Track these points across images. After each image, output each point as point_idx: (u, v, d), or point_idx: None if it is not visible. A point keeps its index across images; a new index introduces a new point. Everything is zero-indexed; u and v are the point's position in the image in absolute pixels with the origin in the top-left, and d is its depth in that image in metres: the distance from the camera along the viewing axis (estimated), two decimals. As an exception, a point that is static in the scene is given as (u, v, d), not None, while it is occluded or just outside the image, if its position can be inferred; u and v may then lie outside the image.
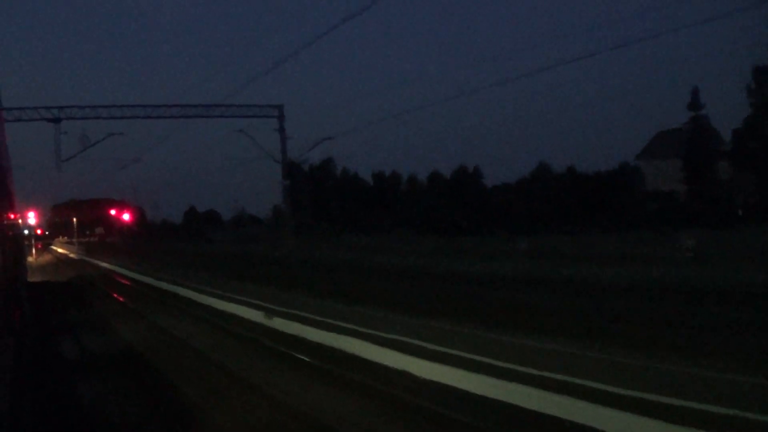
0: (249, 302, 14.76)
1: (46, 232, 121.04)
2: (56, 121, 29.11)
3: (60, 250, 79.06)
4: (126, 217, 72.82)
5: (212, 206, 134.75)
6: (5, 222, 7.97)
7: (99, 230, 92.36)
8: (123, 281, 24.86)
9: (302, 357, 10.63)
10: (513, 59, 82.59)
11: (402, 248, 35.82)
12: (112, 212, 74.21)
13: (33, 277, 31.50)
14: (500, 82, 57.83)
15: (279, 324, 13.00)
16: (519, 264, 23.53)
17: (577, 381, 6.81)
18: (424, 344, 9.25)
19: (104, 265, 34.87)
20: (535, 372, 7.32)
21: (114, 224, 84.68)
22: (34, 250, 66.88)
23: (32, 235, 71.52)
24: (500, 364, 7.83)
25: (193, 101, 42.63)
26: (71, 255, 61.67)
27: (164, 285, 21.24)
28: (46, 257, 65.97)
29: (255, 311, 14.30)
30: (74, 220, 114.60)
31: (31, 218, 59.06)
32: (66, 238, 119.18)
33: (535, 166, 72.59)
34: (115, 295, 20.25)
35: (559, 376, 7.04)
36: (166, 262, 30.15)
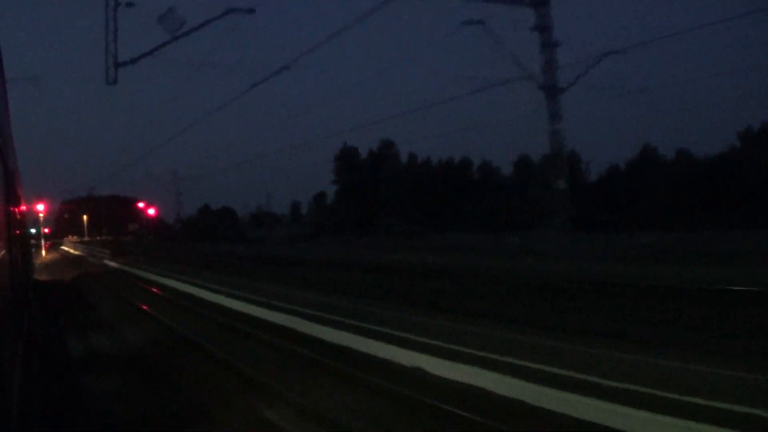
0: None
1: (53, 231, 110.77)
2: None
3: (73, 252, 67.33)
4: (152, 212, 61.55)
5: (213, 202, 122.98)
6: (12, 222, 6.43)
7: (132, 226, 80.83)
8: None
9: None
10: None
11: (589, 253, 24.48)
12: (140, 205, 62.66)
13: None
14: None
15: None
16: None
17: None
18: None
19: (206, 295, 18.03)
20: None
21: (143, 221, 73.39)
22: (43, 251, 56.59)
23: (40, 234, 62.66)
24: None
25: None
26: (91, 259, 49.70)
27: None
28: (56, 260, 54.43)
29: None
30: (85, 217, 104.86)
31: (40, 212, 48.56)
32: (76, 237, 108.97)
33: (639, 150, 61.52)
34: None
35: None
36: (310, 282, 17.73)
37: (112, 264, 36.26)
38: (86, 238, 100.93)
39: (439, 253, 27.28)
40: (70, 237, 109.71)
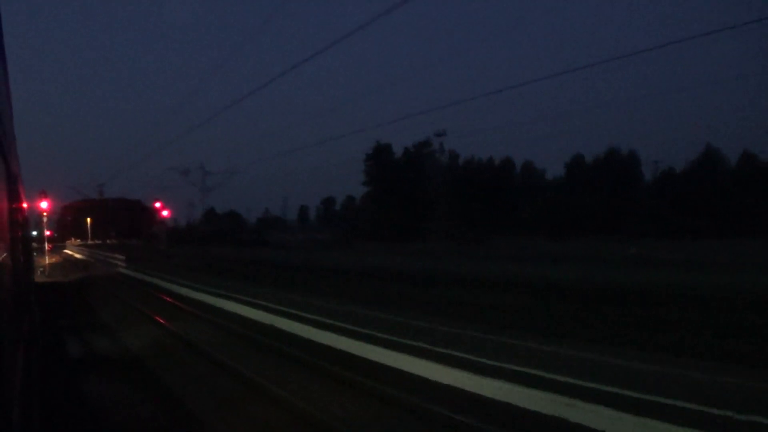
0: None
1: (55, 234, 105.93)
2: None
3: (78, 256, 62.10)
4: (165, 213, 56.24)
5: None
6: (14, 224, 6.34)
7: (157, 228, 75.51)
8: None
9: None
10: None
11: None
12: (157, 205, 57.16)
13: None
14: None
15: None
16: None
17: None
18: None
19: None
20: None
21: (160, 223, 68.01)
22: (46, 258, 51.75)
23: (43, 237, 58.07)
24: None
25: None
26: (99, 266, 44.23)
27: None
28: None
29: None
30: (88, 220, 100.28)
31: (44, 210, 43.71)
32: (79, 240, 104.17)
33: (702, 151, 56.23)
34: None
35: None
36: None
37: (144, 278, 29.07)
38: (90, 242, 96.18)
39: (550, 262, 21.96)
40: (72, 240, 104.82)
